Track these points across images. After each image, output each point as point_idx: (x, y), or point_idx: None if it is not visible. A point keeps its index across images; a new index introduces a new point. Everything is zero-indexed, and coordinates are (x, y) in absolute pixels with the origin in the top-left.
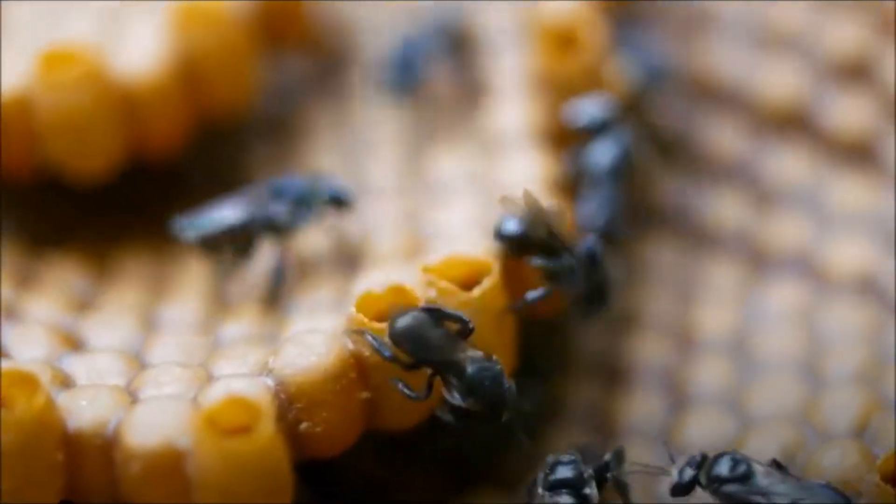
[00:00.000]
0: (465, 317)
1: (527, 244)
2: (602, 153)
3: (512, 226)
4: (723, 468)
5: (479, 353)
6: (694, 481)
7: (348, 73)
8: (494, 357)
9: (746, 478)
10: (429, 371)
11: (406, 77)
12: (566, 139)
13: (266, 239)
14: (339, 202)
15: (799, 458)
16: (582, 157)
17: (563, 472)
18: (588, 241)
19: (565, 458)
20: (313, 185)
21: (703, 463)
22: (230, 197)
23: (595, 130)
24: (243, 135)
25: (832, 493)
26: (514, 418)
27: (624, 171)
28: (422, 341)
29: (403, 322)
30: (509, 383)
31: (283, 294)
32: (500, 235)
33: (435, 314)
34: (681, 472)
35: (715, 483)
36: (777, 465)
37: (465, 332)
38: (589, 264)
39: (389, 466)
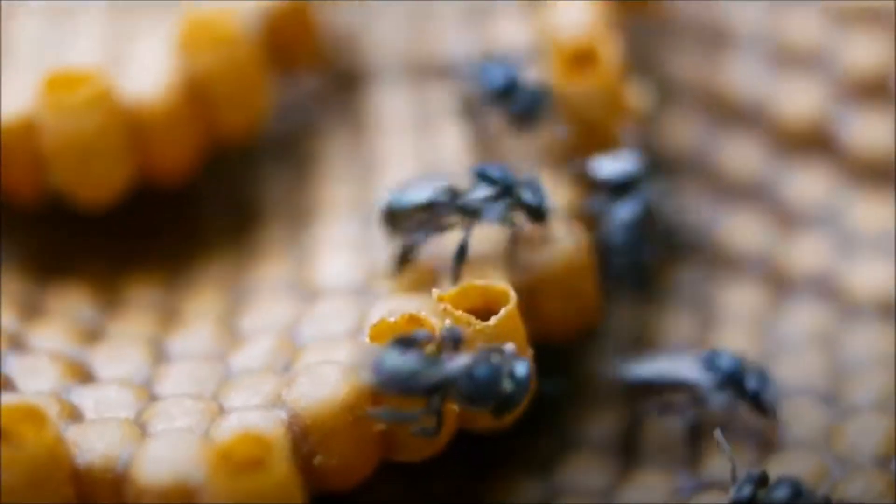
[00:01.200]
0: (444, 329)
1: None
2: (625, 210)
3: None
4: (782, 494)
5: (464, 359)
6: (752, 500)
7: (361, 90)
8: (489, 351)
9: None
10: (434, 401)
11: (532, 104)
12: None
13: (454, 222)
14: (531, 211)
15: (822, 487)
16: (606, 214)
17: None
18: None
19: None
20: (517, 183)
21: (762, 481)
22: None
23: (619, 187)
24: (255, 157)
25: None
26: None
27: (646, 227)
28: (404, 378)
29: (385, 370)
30: (519, 367)
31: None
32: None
33: (406, 343)
34: (739, 488)
35: None
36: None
37: (455, 341)
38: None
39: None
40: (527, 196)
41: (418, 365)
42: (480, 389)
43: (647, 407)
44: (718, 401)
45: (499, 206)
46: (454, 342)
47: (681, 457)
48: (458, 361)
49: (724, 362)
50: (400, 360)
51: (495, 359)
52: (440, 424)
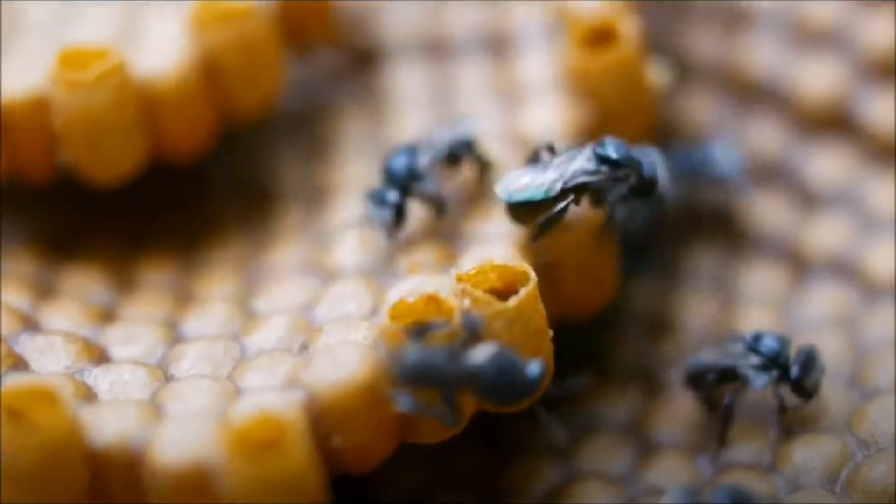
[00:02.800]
0: (463, 317)
1: None
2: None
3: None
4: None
5: (484, 354)
6: None
7: (377, 68)
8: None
9: None
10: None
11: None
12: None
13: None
14: (643, 188)
15: (845, 471)
16: None
17: None
18: None
19: None
20: (635, 161)
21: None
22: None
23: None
24: (269, 135)
25: None
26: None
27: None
28: (427, 374)
29: (408, 365)
30: (534, 365)
31: None
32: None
33: (422, 332)
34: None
35: None
36: None
37: (474, 331)
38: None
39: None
40: (647, 172)
41: (441, 360)
42: (499, 385)
43: (728, 398)
44: (761, 382)
45: (622, 187)
46: (472, 332)
47: (705, 437)
48: (479, 356)
49: (768, 344)
50: (423, 356)
51: (513, 355)
52: (458, 411)
